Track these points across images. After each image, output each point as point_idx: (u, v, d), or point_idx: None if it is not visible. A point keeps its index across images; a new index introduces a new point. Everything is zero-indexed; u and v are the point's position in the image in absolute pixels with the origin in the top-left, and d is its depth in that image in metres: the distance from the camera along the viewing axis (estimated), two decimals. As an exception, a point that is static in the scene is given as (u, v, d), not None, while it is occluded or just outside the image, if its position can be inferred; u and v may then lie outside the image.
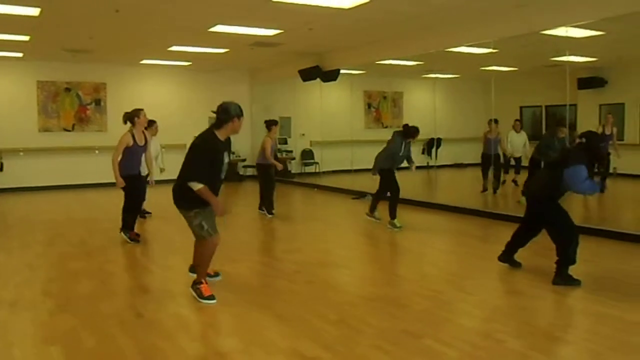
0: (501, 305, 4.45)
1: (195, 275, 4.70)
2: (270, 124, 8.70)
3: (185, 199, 4.44)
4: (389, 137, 7.74)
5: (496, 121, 10.29)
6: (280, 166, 8.60)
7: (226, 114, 4.41)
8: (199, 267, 4.66)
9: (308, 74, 11.96)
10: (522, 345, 3.49)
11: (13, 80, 12.30)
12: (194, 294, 4.56)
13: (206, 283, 4.58)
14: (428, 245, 6.88)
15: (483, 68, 9.91)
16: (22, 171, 12.30)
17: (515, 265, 5.39)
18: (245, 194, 9.18)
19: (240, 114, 4.46)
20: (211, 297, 4.47)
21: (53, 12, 7.51)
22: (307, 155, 14.98)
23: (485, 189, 10.36)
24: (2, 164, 12.04)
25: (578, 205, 9.39)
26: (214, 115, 4.47)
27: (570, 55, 8.07)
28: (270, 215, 8.63)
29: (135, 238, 6.85)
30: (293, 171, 14.85)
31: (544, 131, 13.00)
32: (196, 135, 4.53)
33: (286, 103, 14.63)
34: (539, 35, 7.75)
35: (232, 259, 6.02)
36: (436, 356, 3.34)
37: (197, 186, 4.28)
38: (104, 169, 12.07)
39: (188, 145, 4.53)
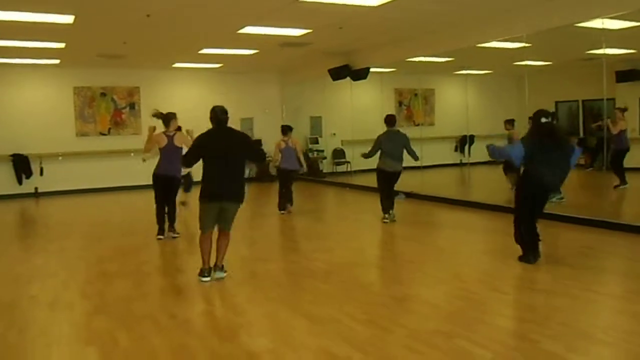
0: (536, 305, 4.34)
1: (223, 274, 5.22)
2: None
3: (243, 192, 5.14)
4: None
5: (510, 121, 10.03)
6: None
7: (226, 114, 5.16)
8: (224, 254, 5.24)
9: (338, 73, 11.95)
10: (558, 347, 3.40)
11: (51, 86, 12.63)
12: (223, 275, 5.20)
13: None
14: (461, 244, 6.77)
15: (516, 63, 9.70)
16: (61, 175, 12.62)
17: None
18: (276, 195, 9.21)
19: None
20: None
21: (87, 19, 7.68)
22: (338, 154, 14.96)
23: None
24: (42, 168, 12.41)
25: (618, 202, 9.14)
26: (222, 117, 5.17)
27: (607, 47, 7.81)
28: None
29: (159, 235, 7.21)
30: (325, 171, 14.85)
31: (580, 126, 12.70)
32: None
33: (316, 103, 14.64)
34: (574, 27, 7.55)
35: (263, 258, 6.06)
36: (469, 357, 3.28)
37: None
38: (140, 172, 12.44)
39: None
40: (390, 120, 8.02)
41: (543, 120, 5.36)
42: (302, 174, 9.37)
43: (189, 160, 5.23)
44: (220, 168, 5.03)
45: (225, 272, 5.26)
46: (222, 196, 5.05)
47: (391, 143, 7.82)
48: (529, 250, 5.40)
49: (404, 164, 7.96)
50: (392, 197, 8.05)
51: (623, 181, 9.50)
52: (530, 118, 5.76)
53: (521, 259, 5.44)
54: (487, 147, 5.72)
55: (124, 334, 3.84)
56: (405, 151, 7.83)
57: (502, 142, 10.63)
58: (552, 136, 5.32)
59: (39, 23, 7.70)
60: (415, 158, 7.98)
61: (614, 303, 4.41)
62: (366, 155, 8.04)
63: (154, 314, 4.25)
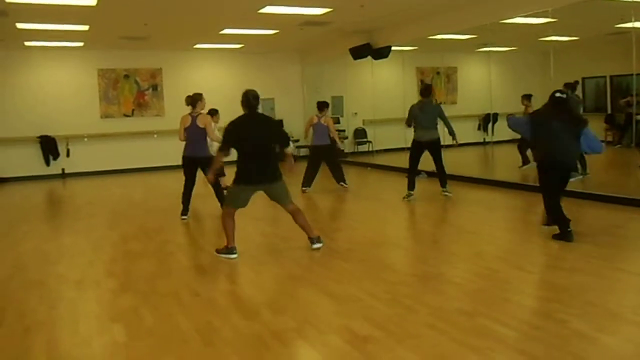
0: (562, 284, 4.28)
1: (320, 244, 5.40)
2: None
3: (279, 170, 5.26)
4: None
5: (527, 97, 9.83)
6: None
7: (258, 99, 5.27)
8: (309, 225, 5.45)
9: (359, 52, 11.82)
10: (586, 326, 3.34)
11: (76, 69, 12.77)
12: (320, 245, 5.38)
13: None
14: (484, 222, 6.71)
15: (541, 39, 9.46)
16: (87, 156, 12.82)
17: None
18: (299, 173, 9.21)
19: None
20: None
21: (109, 1, 7.70)
22: (359, 134, 14.88)
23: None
24: (68, 150, 12.62)
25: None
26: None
27: (636, 21, 7.58)
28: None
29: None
30: (346, 150, 14.79)
31: (608, 103, 12.40)
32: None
33: (337, 82, 14.54)
34: (602, 1, 7.33)
35: (286, 237, 6.08)
36: (493, 336, 3.26)
37: (292, 147, 5.35)
38: (163, 153, 12.59)
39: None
40: (424, 90, 7.96)
41: (557, 95, 5.34)
42: (342, 152, 9.41)
43: (224, 149, 5.23)
44: (254, 153, 5.13)
45: (321, 242, 5.44)
46: (262, 181, 5.15)
47: (423, 114, 7.74)
48: (564, 228, 5.29)
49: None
50: (442, 171, 7.96)
51: None
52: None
53: (556, 237, 5.34)
54: (507, 118, 5.80)
55: (148, 311, 3.90)
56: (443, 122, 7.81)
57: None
58: (559, 108, 5.30)
59: (63, 5, 7.76)
60: (451, 130, 7.86)
61: (642, 282, 4.33)
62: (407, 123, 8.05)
63: (178, 292, 4.30)
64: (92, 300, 4.28)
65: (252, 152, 5.13)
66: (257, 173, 5.13)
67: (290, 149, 5.43)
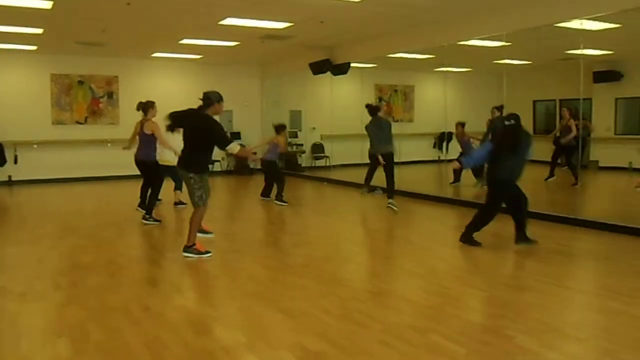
0: (510, 301, 4.39)
1: (184, 253, 5.59)
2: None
3: (193, 164, 5.52)
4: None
5: (498, 108, 10.14)
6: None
7: (209, 99, 5.49)
8: (191, 232, 5.59)
9: (318, 67, 11.91)
10: (532, 343, 3.43)
11: (27, 73, 12.39)
12: (190, 255, 5.50)
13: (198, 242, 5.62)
14: (436, 239, 6.83)
15: (496, 61, 9.78)
16: (36, 164, 12.41)
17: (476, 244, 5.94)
18: (256, 187, 9.18)
19: (220, 99, 5.54)
20: (208, 251, 5.58)
21: (65, 4, 7.53)
22: (317, 148, 14.94)
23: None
24: (16, 156, 12.18)
25: (590, 199, 9.29)
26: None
27: (585, 48, 7.92)
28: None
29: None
30: (303, 165, 14.83)
31: (557, 125, 12.87)
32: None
33: (297, 96, 14.60)
34: (553, 27, 7.63)
35: (240, 252, 6.03)
36: (443, 352, 3.30)
37: (236, 147, 5.47)
38: (116, 162, 12.31)
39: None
40: (374, 109, 8.31)
41: (507, 123, 5.77)
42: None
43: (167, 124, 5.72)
44: (185, 142, 5.63)
45: (186, 253, 5.59)
46: (180, 165, 5.69)
47: (381, 131, 8.11)
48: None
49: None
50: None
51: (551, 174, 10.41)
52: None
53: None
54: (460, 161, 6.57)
55: (96, 326, 3.78)
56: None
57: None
58: (509, 134, 5.78)
59: (16, 7, 7.53)
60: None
61: (585, 299, 4.48)
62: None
63: (127, 306, 4.19)
64: (37, 313, 4.12)
65: (185, 140, 5.64)
66: (181, 157, 5.68)
67: (233, 147, 5.46)
